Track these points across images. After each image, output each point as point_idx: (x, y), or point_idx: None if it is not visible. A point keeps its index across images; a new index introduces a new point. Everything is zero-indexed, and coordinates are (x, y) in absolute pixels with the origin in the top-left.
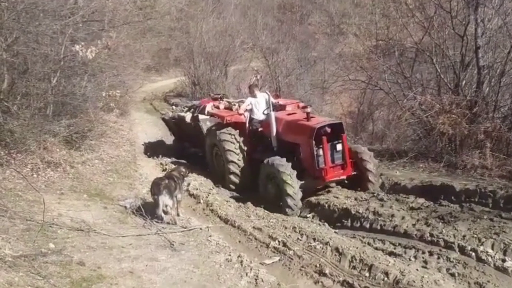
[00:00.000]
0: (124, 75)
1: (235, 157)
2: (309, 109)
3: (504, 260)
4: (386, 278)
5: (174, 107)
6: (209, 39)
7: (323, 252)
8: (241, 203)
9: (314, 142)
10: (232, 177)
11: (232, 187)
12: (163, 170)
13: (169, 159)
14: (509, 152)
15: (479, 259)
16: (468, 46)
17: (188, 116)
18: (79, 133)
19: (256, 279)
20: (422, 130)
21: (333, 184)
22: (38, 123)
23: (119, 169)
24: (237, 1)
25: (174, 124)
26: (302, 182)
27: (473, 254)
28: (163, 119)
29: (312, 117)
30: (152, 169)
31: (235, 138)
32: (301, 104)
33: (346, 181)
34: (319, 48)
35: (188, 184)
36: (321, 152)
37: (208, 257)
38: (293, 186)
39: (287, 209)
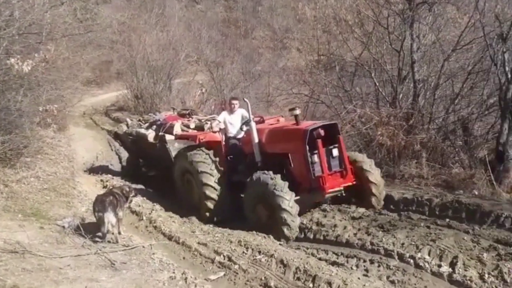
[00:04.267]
0: (62, 89)
1: (211, 180)
2: (297, 111)
3: (440, 266)
4: None
5: (129, 120)
6: (153, 52)
7: (268, 265)
8: (185, 219)
9: (307, 147)
10: (208, 204)
11: (209, 216)
12: (104, 187)
13: (110, 176)
14: (443, 161)
15: (417, 266)
16: (404, 61)
17: (150, 135)
18: (14, 150)
19: None
20: (362, 141)
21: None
22: None
23: (57, 187)
24: (181, 14)
25: (132, 142)
26: (297, 197)
27: (412, 261)
28: (116, 134)
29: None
30: (92, 186)
31: (210, 159)
32: (282, 119)
33: (344, 194)
34: (263, 62)
35: (130, 201)
36: (316, 158)
37: (151, 276)
38: (287, 198)
39: (284, 228)
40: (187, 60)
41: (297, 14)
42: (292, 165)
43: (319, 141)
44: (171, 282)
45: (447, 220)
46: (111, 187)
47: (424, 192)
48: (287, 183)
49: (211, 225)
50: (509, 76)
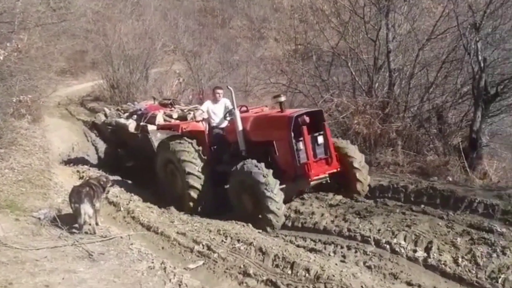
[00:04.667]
0: (36, 79)
1: (195, 169)
2: (283, 98)
3: (415, 251)
4: (307, 274)
5: (107, 110)
6: (128, 42)
7: (247, 252)
8: (164, 209)
9: (292, 134)
10: (191, 193)
11: (192, 207)
12: (80, 178)
13: (86, 167)
14: (418, 149)
15: (393, 251)
16: (380, 50)
17: (131, 125)
18: None
19: (180, 285)
20: (339, 130)
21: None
22: None
23: (32, 178)
24: (157, 3)
25: (111, 132)
26: (283, 186)
27: (388, 246)
28: (93, 124)
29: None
30: (68, 177)
31: (194, 148)
32: (266, 109)
33: (329, 181)
34: (240, 52)
35: (107, 192)
36: (301, 145)
37: (130, 266)
38: (277, 200)
39: (268, 227)
40: (164, 50)
41: (274, 4)
42: (277, 152)
43: (305, 128)
44: (150, 272)
45: (422, 206)
46: (87, 178)
47: (399, 179)
48: (278, 182)
49: (190, 215)
50: (482, 65)
